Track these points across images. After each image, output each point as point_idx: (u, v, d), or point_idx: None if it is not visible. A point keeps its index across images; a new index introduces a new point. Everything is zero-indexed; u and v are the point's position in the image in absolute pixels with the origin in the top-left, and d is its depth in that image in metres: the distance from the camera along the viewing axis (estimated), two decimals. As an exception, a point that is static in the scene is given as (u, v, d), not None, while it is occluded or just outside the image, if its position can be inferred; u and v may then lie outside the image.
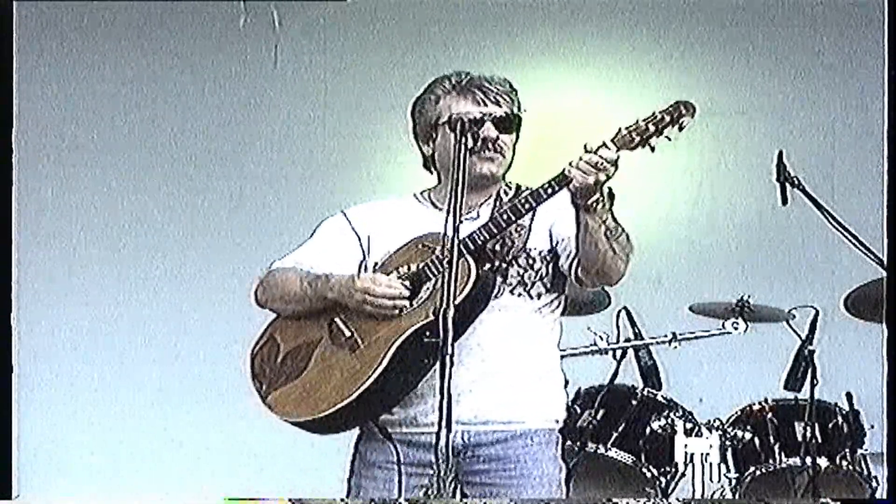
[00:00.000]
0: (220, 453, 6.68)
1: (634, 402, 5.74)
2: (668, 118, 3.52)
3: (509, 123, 3.78)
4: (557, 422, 3.84)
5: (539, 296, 3.79)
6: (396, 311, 3.67)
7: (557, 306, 3.85)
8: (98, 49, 6.90)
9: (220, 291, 6.70)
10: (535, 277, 3.78)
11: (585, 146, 3.52)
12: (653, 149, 3.52)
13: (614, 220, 3.60)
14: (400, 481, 3.71)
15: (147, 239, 6.87)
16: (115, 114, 6.92)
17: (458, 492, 3.66)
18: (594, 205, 3.54)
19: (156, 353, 6.80)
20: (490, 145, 3.73)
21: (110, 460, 6.73)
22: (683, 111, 3.51)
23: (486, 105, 3.76)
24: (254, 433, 6.36)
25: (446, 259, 3.46)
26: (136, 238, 6.87)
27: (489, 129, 3.73)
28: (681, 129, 3.52)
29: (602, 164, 3.49)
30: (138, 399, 6.77)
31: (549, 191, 3.60)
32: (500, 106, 3.77)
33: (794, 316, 5.77)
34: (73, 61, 6.89)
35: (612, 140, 3.52)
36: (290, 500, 4.05)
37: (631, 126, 3.52)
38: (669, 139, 3.52)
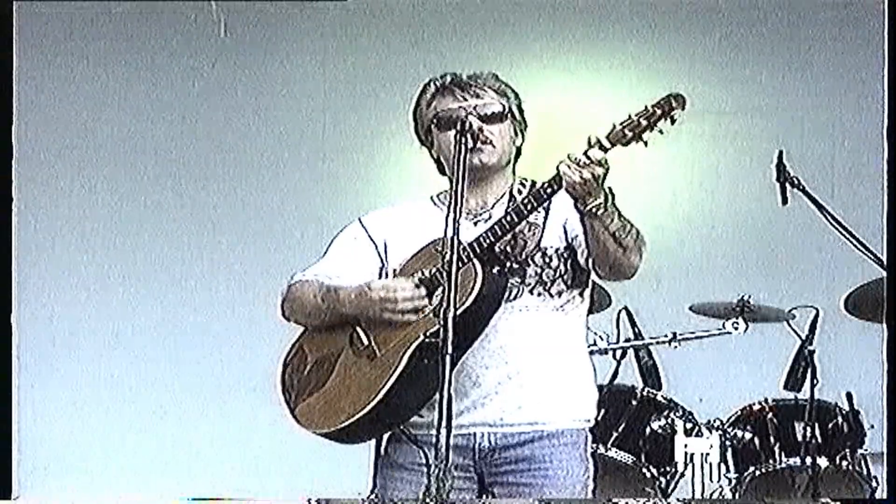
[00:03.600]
0: (220, 453, 6.68)
1: (634, 402, 5.74)
2: (659, 111, 3.52)
3: (495, 114, 3.78)
4: (588, 421, 3.84)
5: (560, 294, 3.78)
6: (419, 314, 3.66)
7: (581, 302, 3.84)
8: (98, 49, 6.90)
9: (221, 292, 6.72)
10: (553, 275, 3.77)
11: (589, 139, 3.54)
12: (646, 143, 3.53)
13: (621, 217, 3.61)
14: (428, 483, 3.71)
15: (148, 239, 6.87)
16: (115, 114, 6.92)
17: (483, 493, 3.73)
18: (595, 210, 3.55)
19: (156, 353, 6.80)
20: (473, 136, 3.72)
21: (110, 460, 6.73)
22: (674, 104, 3.52)
23: (465, 100, 3.77)
24: (256, 433, 6.39)
25: (447, 259, 3.47)
26: (137, 238, 6.87)
27: (472, 121, 3.73)
28: (672, 121, 3.53)
29: (584, 161, 3.51)
30: (138, 399, 6.77)
31: (549, 190, 3.61)
32: (482, 98, 3.78)
33: (794, 316, 5.77)
34: (73, 61, 6.89)
35: (607, 136, 3.53)
36: (314, 501, 4.06)
37: (624, 121, 3.54)
38: (662, 132, 3.53)
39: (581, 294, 3.83)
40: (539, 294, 3.77)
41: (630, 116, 3.54)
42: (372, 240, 3.89)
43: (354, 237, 3.92)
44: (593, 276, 3.81)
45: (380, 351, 3.71)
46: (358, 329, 3.75)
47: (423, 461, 3.70)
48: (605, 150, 3.52)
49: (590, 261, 3.71)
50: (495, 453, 3.75)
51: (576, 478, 3.78)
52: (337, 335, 3.80)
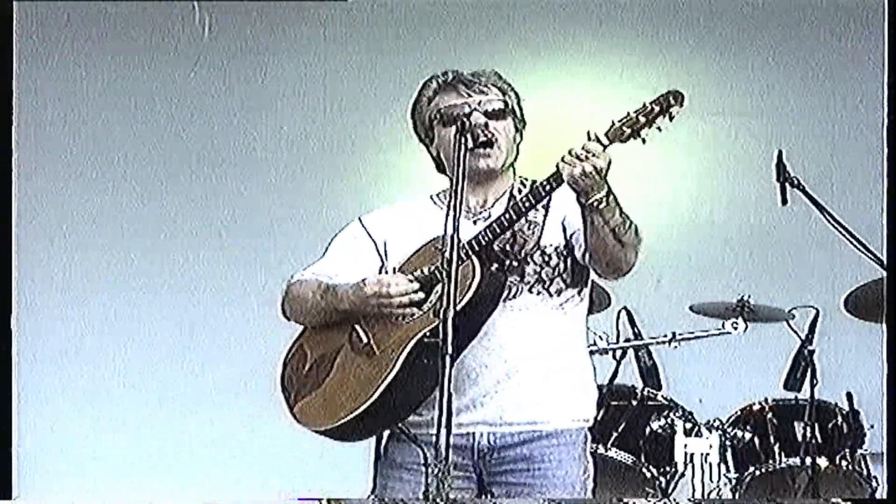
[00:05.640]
0: (220, 454, 6.67)
1: (634, 402, 5.74)
2: (657, 108, 3.52)
3: (499, 111, 3.78)
4: (587, 421, 3.83)
5: (559, 292, 3.77)
6: (415, 310, 3.66)
7: (581, 301, 3.83)
8: (98, 49, 6.90)
9: (221, 292, 6.72)
10: (552, 274, 3.77)
11: (588, 134, 3.54)
12: (644, 140, 3.53)
13: (622, 214, 3.60)
14: (427, 483, 3.70)
15: (148, 240, 6.87)
16: (115, 113, 6.91)
17: (482, 492, 3.71)
18: (597, 204, 3.54)
19: (156, 353, 6.79)
20: (480, 133, 3.72)
21: (110, 461, 6.73)
22: (672, 101, 3.52)
23: (469, 96, 3.77)
24: (259, 433, 6.40)
25: (447, 258, 3.46)
26: (137, 238, 6.87)
27: (477, 117, 3.73)
28: (671, 118, 3.53)
29: (584, 154, 3.50)
30: (138, 399, 6.77)
31: (547, 187, 3.61)
32: (486, 94, 3.78)
33: (794, 316, 5.77)
34: (73, 61, 6.89)
35: (606, 133, 3.53)
36: (328, 500, 4.06)
37: (623, 118, 3.53)
38: (660, 130, 3.53)
39: (580, 293, 3.82)
40: (538, 293, 3.76)
41: (629, 113, 3.54)
42: (372, 239, 3.89)
43: (354, 236, 3.91)
44: (592, 275, 3.80)
45: (378, 348, 3.70)
46: (357, 327, 3.75)
47: (422, 461, 3.68)
48: (604, 147, 3.52)
49: (587, 256, 3.70)
50: (494, 453, 3.74)
51: (575, 477, 3.76)
52: (336, 333, 3.79)
